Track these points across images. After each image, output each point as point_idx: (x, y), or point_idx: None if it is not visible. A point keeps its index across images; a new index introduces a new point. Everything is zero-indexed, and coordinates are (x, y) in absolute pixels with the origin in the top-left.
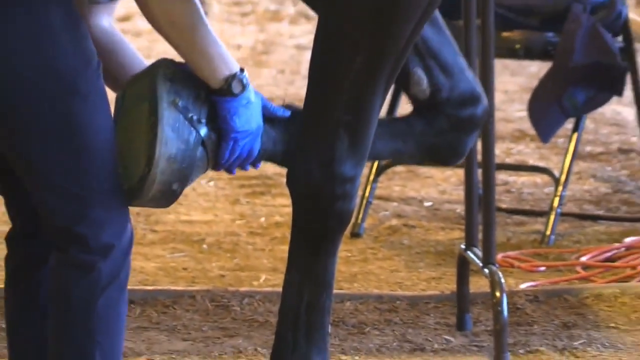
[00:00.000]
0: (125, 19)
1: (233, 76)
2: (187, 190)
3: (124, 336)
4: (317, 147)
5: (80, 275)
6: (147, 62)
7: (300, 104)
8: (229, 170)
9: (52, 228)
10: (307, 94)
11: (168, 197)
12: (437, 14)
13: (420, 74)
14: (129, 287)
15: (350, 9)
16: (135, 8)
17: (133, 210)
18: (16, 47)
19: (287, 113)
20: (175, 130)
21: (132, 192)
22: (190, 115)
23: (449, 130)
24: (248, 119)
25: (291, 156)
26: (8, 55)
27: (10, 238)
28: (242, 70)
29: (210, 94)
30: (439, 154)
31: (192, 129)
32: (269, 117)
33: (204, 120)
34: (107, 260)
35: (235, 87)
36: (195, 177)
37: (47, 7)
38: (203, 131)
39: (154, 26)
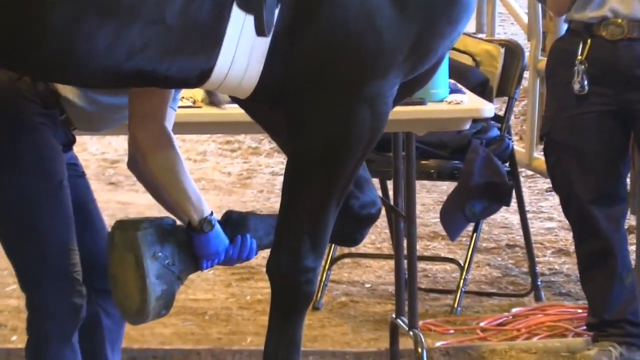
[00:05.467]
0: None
1: (205, 219)
2: (193, 276)
3: None
4: (287, 247)
5: (34, 329)
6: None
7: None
8: (229, 264)
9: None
10: (280, 208)
11: (160, 316)
12: None
13: None
14: (152, 346)
15: (309, 152)
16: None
17: None
18: None
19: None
20: (159, 277)
21: (132, 318)
22: (167, 262)
23: (353, 224)
24: (216, 244)
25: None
26: None
27: None
28: (211, 213)
29: (182, 233)
30: (344, 239)
31: (170, 272)
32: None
33: (176, 262)
34: (51, 322)
35: (206, 227)
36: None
37: (15, 136)
38: (177, 270)
39: (150, 171)
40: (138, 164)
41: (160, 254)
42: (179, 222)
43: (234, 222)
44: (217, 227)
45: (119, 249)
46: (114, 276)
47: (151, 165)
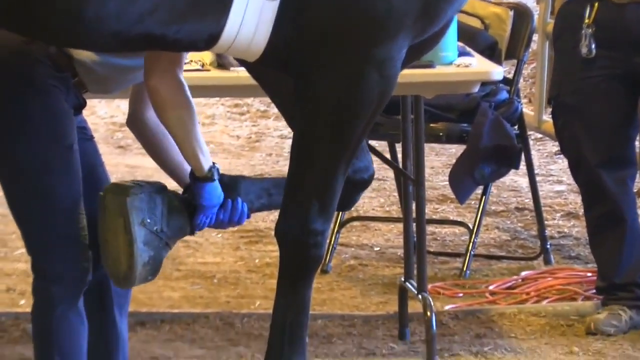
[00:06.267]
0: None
1: (213, 166)
2: (202, 240)
3: (83, 342)
4: (296, 210)
5: (40, 293)
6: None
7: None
8: (221, 228)
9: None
10: (288, 172)
11: (147, 281)
12: None
13: None
14: (160, 309)
15: (318, 115)
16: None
17: None
18: (4, 125)
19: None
20: (146, 243)
21: (119, 282)
22: (155, 228)
23: (345, 188)
24: (218, 195)
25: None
26: None
27: None
28: (214, 162)
29: (189, 184)
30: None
31: (158, 238)
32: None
33: (164, 229)
34: (58, 286)
35: (215, 175)
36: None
37: (26, 99)
38: (165, 236)
39: (163, 120)
40: (139, 120)
41: (149, 220)
42: (170, 187)
43: (225, 185)
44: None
45: (109, 213)
46: (103, 239)
47: (170, 118)
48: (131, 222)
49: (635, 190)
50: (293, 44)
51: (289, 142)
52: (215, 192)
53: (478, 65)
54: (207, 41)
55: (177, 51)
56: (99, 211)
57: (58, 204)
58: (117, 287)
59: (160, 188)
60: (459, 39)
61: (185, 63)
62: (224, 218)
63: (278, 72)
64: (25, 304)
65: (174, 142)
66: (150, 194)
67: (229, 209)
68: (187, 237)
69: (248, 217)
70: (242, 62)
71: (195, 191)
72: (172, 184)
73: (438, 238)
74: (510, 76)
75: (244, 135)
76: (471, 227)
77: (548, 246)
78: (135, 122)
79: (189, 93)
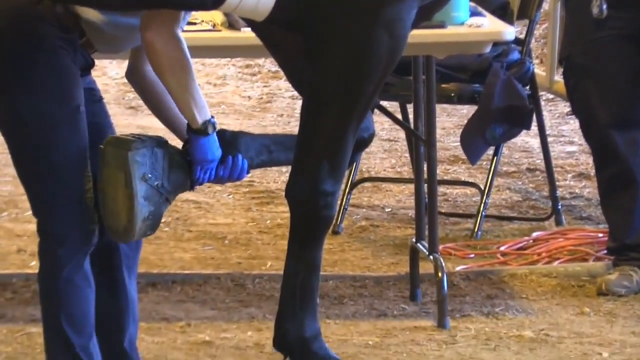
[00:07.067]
0: None
1: (208, 121)
2: (213, 201)
3: (90, 304)
4: (306, 171)
5: (46, 256)
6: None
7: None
8: (220, 183)
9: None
10: (299, 133)
11: (145, 236)
12: None
13: None
14: (171, 271)
15: (328, 75)
16: None
17: (174, 215)
18: (12, 86)
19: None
20: (147, 198)
21: (117, 236)
22: (156, 183)
23: None
24: (213, 151)
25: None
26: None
27: None
28: (213, 117)
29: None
30: None
31: (158, 193)
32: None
33: (165, 184)
34: (63, 248)
35: (209, 129)
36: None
37: (34, 59)
38: (165, 191)
39: (158, 73)
40: (139, 74)
41: (150, 175)
42: (172, 142)
43: (226, 141)
44: (215, 134)
45: (110, 166)
46: (103, 192)
47: (165, 72)
48: (132, 176)
49: None
50: (302, 3)
51: (300, 102)
52: (209, 146)
53: (490, 26)
54: (215, 0)
55: (186, 10)
56: (99, 164)
57: (63, 166)
58: (115, 241)
59: (161, 142)
60: None
61: (196, 23)
62: (224, 174)
63: (285, 32)
64: (35, 266)
65: (170, 96)
66: (152, 148)
67: (229, 165)
68: (199, 198)
69: (247, 173)
70: (248, 22)
71: (190, 144)
72: (176, 141)
73: (449, 199)
74: (522, 36)
75: (255, 96)
76: (482, 188)
77: (559, 207)
78: (135, 74)
79: (186, 49)
